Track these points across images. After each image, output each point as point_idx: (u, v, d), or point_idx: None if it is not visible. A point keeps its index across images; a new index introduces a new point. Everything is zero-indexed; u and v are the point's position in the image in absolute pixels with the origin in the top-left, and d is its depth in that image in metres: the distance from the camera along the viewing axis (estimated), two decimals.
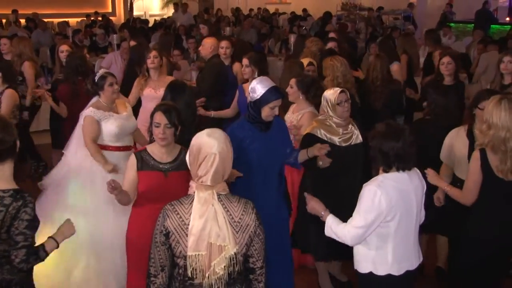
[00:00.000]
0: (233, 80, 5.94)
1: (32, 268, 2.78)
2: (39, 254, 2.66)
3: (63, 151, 4.81)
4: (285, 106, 4.62)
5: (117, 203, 3.40)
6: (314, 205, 3.13)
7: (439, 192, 3.96)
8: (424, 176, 3.19)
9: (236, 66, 6.06)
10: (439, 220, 4.10)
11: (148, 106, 5.27)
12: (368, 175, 3.14)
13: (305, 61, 5.76)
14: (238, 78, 5.94)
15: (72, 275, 4.14)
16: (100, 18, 16.94)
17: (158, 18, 17.66)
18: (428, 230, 4.45)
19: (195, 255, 2.40)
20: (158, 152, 3.34)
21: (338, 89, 4.00)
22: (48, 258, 2.76)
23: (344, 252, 3.34)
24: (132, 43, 6.93)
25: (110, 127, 4.27)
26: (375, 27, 13.90)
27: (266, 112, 3.53)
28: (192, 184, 2.50)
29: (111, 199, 3.43)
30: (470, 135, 3.74)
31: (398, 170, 2.97)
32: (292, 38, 10.21)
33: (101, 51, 11.42)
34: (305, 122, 4.41)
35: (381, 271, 3.02)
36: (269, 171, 3.67)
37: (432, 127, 4.27)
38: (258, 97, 3.50)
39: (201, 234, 2.39)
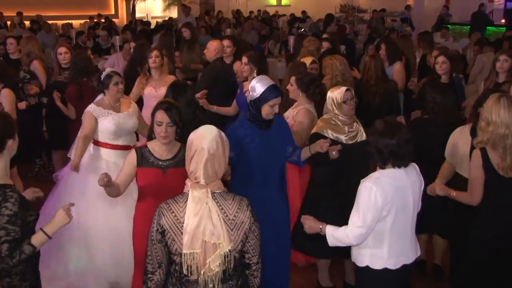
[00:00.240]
0: (236, 80, 5.94)
1: (34, 258, 2.73)
2: (23, 248, 2.56)
3: (68, 154, 4.83)
4: (285, 104, 4.63)
5: (108, 198, 3.41)
6: (311, 224, 3.12)
7: (435, 184, 3.96)
8: (422, 172, 3.16)
9: (236, 65, 6.07)
10: (438, 222, 4.10)
11: (149, 104, 5.31)
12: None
13: (308, 59, 5.76)
14: (238, 76, 5.94)
15: (67, 267, 4.18)
16: (103, 20, 16.95)
17: (160, 20, 17.67)
18: (427, 231, 4.45)
19: (190, 253, 2.40)
20: (158, 149, 3.33)
21: (344, 88, 4.01)
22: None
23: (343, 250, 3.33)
24: (132, 44, 6.92)
25: (107, 124, 4.28)
26: (376, 29, 13.86)
27: (266, 110, 3.52)
28: (188, 182, 2.49)
29: (102, 194, 3.39)
30: (474, 134, 3.73)
31: (393, 166, 2.96)
32: (292, 40, 10.20)
33: (104, 52, 11.41)
34: (298, 118, 4.45)
35: (377, 265, 3.01)
36: (269, 169, 3.65)
37: (432, 125, 4.26)
38: (258, 95, 3.50)
39: (196, 232, 2.39)
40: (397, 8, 17.26)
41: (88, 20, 17.01)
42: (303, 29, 13.66)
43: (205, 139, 2.42)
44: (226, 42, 6.26)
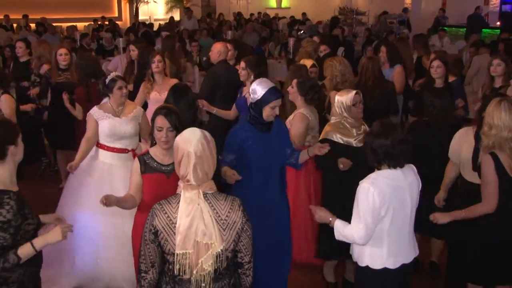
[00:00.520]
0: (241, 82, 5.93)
1: (37, 265, 2.70)
2: (8, 257, 2.49)
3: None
4: (289, 106, 4.64)
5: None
6: (322, 214, 3.13)
7: (441, 193, 3.96)
8: (421, 174, 3.15)
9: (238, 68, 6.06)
10: (434, 225, 4.08)
11: (153, 108, 5.28)
12: None
13: (308, 63, 5.76)
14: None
15: (73, 268, 4.19)
16: (106, 23, 16.96)
17: (162, 23, 17.66)
18: (424, 233, 4.44)
19: (183, 253, 2.39)
20: (160, 154, 3.32)
21: (353, 91, 4.00)
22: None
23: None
24: (132, 47, 6.91)
25: (103, 127, 4.30)
26: (379, 32, 13.85)
27: (267, 112, 3.51)
28: (180, 184, 2.49)
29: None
30: (477, 137, 3.72)
31: (389, 167, 2.96)
32: (292, 42, 10.21)
33: (108, 54, 11.42)
34: (294, 123, 4.47)
35: (377, 265, 3.01)
36: (270, 171, 3.64)
37: (431, 128, 4.24)
38: (259, 97, 3.49)
39: (188, 233, 2.38)
40: (395, 11, 17.25)
41: (92, 23, 17.00)
42: (302, 31, 13.67)
43: (190, 142, 2.40)
44: (227, 46, 6.24)
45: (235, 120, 5.36)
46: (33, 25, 15.21)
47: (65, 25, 15.01)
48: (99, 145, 4.40)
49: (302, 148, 4.02)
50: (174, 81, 5.41)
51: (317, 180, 4.46)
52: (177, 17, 19.05)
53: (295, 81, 4.60)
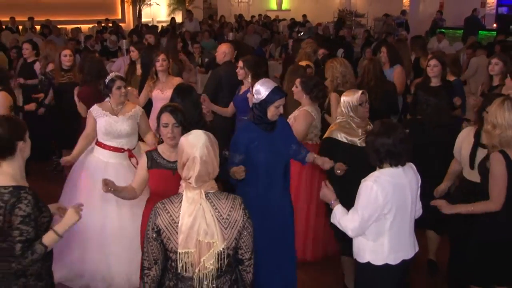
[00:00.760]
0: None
1: (48, 259, 2.73)
2: (35, 248, 2.55)
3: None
4: (289, 106, 4.64)
5: (119, 199, 3.42)
6: (326, 193, 3.15)
7: (441, 186, 3.94)
8: (419, 171, 3.15)
9: None
10: (432, 219, 4.06)
11: (157, 106, 5.34)
12: None
13: (303, 64, 5.76)
14: None
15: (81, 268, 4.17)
16: (110, 24, 16.95)
17: (165, 24, 17.66)
18: (421, 227, 4.43)
19: (185, 252, 2.39)
20: (167, 151, 3.34)
21: (359, 91, 4.00)
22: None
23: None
24: (132, 48, 6.92)
25: (100, 125, 4.34)
26: (384, 33, 13.81)
27: (272, 112, 3.52)
28: (182, 183, 2.48)
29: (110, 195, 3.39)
30: (476, 136, 3.72)
31: (391, 165, 2.97)
32: (291, 43, 10.21)
33: (112, 55, 11.42)
34: (298, 119, 4.50)
35: (378, 261, 3.02)
36: (274, 170, 3.64)
37: (425, 126, 4.24)
38: (263, 97, 3.49)
39: (190, 232, 2.38)
40: (393, 13, 17.23)
41: (96, 25, 17.00)
42: (302, 33, 13.67)
43: (196, 147, 2.40)
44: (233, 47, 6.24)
45: (233, 118, 5.35)
46: (38, 27, 15.22)
47: (69, 27, 15.01)
48: (97, 143, 4.43)
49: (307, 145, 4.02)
50: (177, 80, 5.43)
51: (321, 178, 4.42)
52: (179, 19, 19.05)
53: (298, 80, 4.62)
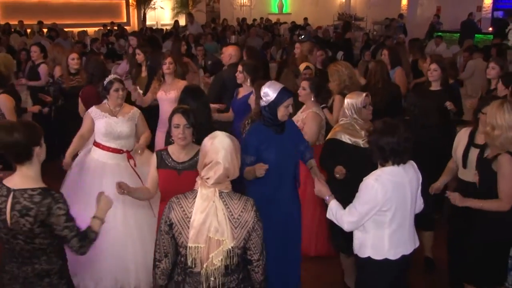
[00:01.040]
0: None
1: (65, 258, 2.78)
2: (89, 235, 2.68)
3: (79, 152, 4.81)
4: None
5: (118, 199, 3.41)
6: (321, 188, 3.16)
7: (437, 183, 3.93)
8: (420, 168, 3.15)
9: None
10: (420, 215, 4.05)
11: (162, 106, 5.40)
12: None
13: (302, 65, 5.73)
14: None
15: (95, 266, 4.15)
16: (115, 28, 16.96)
17: (168, 28, 17.67)
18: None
19: (195, 246, 2.41)
20: (176, 152, 3.34)
21: (363, 94, 3.98)
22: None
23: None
24: (138, 50, 6.92)
25: (99, 126, 4.31)
26: (392, 35, 13.81)
27: (282, 112, 3.50)
28: (198, 180, 2.50)
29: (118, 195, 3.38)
30: (471, 136, 3.71)
31: (393, 164, 2.97)
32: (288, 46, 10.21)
33: (118, 57, 11.43)
34: (308, 121, 4.49)
35: (378, 256, 3.03)
36: (284, 170, 3.62)
37: (411, 127, 4.22)
38: (272, 99, 3.47)
39: (201, 228, 2.40)
40: (391, 16, 17.23)
41: (102, 28, 17.02)
42: (302, 36, 13.68)
43: (220, 152, 2.42)
44: (239, 50, 6.19)
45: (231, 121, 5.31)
46: (45, 30, 15.24)
47: (76, 30, 15.05)
48: (95, 144, 4.38)
49: (314, 148, 4.02)
50: (183, 82, 5.42)
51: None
52: (182, 22, 19.07)
53: (307, 83, 4.64)
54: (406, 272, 3.23)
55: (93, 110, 4.37)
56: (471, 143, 3.70)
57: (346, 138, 3.91)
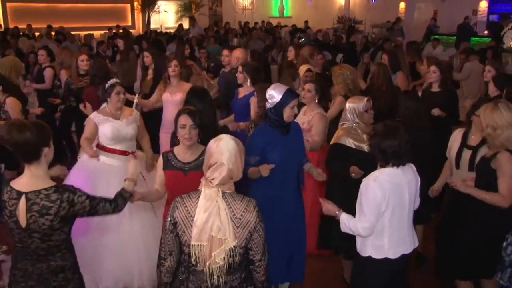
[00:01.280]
0: None
1: (74, 254, 2.80)
2: (123, 195, 2.84)
3: (78, 156, 4.82)
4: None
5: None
6: (329, 207, 3.16)
7: (435, 185, 3.93)
8: (419, 170, 3.16)
9: None
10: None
11: (167, 108, 5.41)
12: None
13: (303, 68, 5.74)
14: None
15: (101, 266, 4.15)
16: (121, 31, 16.97)
17: (172, 31, 17.69)
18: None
19: (198, 245, 2.43)
20: (182, 152, 3.35)
21: (364, 98, 3.97)
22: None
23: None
24: (146, 53, 6.95)
25: (105, 130, 4.26)
26: (394, 37, 13.81)
27: (288, 113, 3.50)
28: (202, 180, 2.52)
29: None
30: (463, 137, 3.72)
31: (393, 165, 2.98)
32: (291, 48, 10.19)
33: None
34: (315, 123, 4.49)
35: (378, 255, 3.04)
36: (289, 172, 3.61)
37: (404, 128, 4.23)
38: (278, 100, 3.47)
39: (204, 227, 2.41)
40: (389, 20, 17.23)
41: (108, 31, 17.04)
42: (303, 39, 13.68)
43: (224, 154, 2.44)
44: (246, 53, 6.28)
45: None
46: (53, 34, 15.27)
47: (82, 33, 15.06)
48: (100, 147, 4.34)
49: (322, 148, 4.02)
50: (188, 85, 5.43)
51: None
52: (186, 25, 19.09)
53: (312, 85, 4.63)
54: (407, 270, 3.23)
55: (95, 116, 4.32)
56: (464, 144, 3.72)
57: (350, 143, 3.88)
